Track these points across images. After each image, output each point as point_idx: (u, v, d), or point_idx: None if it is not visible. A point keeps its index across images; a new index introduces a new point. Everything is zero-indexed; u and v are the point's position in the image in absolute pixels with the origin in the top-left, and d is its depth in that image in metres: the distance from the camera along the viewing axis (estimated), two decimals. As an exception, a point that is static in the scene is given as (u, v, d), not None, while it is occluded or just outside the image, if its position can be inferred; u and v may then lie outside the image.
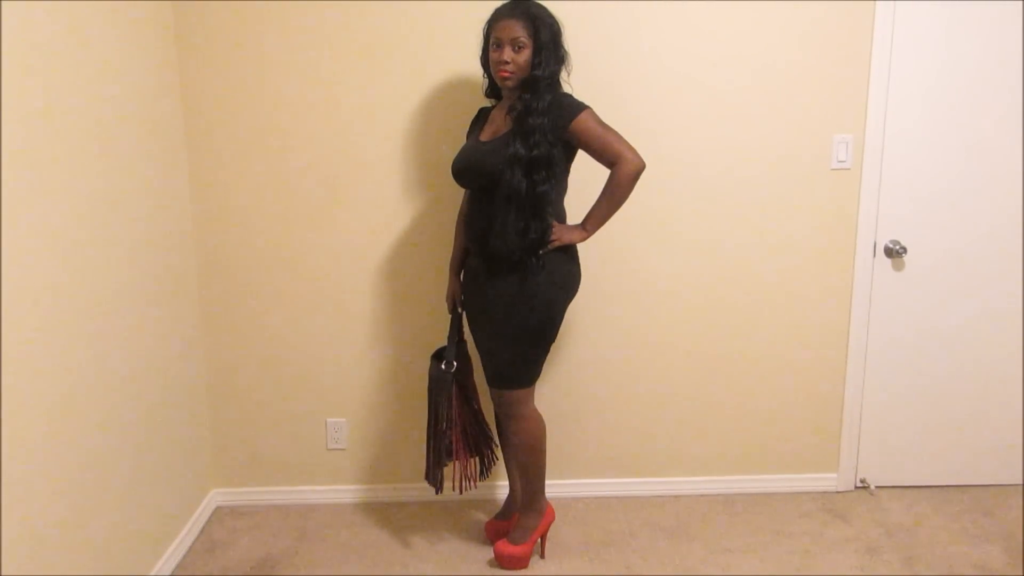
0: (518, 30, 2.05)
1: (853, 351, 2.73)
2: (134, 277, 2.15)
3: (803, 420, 2.78)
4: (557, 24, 2.10)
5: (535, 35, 2.05)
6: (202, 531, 2.59)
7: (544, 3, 2.13)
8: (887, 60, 2.52)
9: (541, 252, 2.11)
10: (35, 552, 1.68)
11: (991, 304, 2.71)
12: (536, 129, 2.03)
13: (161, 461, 2.32)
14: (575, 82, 2.21)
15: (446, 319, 2.44)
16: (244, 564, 2.41)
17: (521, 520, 2.38)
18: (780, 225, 2.63)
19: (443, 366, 2.30)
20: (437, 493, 2.35)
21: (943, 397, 2.78)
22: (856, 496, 2.80)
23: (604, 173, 2.11)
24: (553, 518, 2.42)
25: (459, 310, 2.41)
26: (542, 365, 2.27)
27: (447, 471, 2.36)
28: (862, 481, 2.83)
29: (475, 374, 2.42)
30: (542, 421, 2.32)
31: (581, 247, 2.23)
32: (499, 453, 2.48)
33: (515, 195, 2.06)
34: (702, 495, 2.79)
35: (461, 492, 2.35)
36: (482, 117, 2.31)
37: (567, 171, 2.19)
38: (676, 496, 2.79)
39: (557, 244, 2.13)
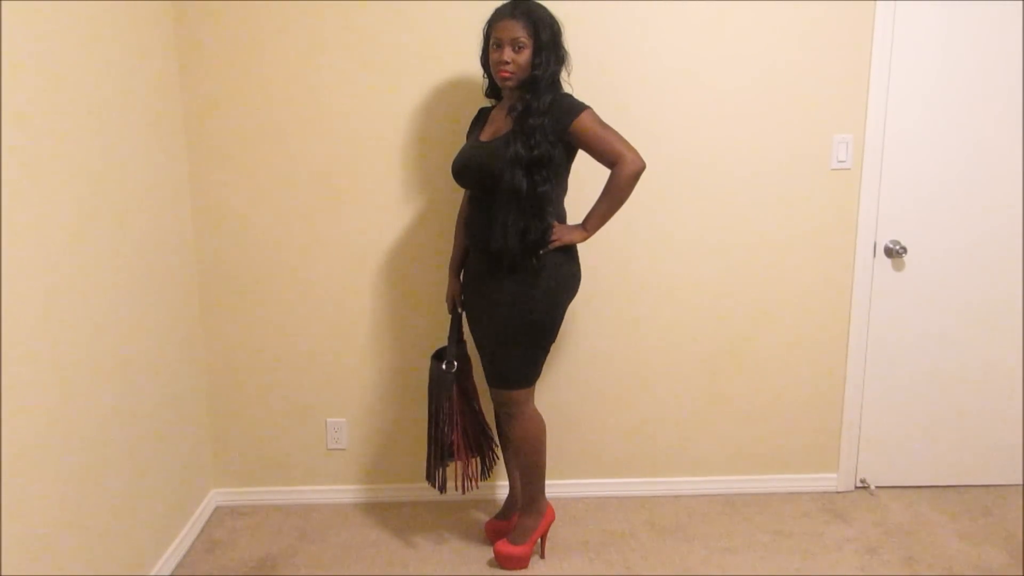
0: (518, 30, 2.05)
1: (853, 351, 2.73)
2: (134, 277, 2.15)
3: (803, 420, 2.78)
4: (557, 24, 2.10)
5: (535, 35, 2.05)
6: (202, 531, 2.59)
7: (544, 3, 2.13)
8: (887, 60, 2.52)
9: (541, 252, 2.11)
10: (35, 552, 1.68)
11: (991, 304, 2.71)
12: (536, 129, 2.03)
13: (161, 461, 2.32)
14: (575, 82, 2.21)
15: (446, 319, 2.45)
16: (244, 564, 2.40)
17: (521, 520, 2.38)
18: (780, 225, 2.63)
19: (443, 366, 2.30)
20: (441, 492, 2.36)
21: (943, 397, 2.78)
22: (856, 496, 2.80)
23: (604, 173, 2.11)
24: (553, 518, 2.42)
25: (459, 310, 2.41)
26: (542, 365, 2.27)
27: (449, 471, 2.36)
28: (862, 481, 2.83)
29: (475, 374, 2.42)
30: (542, 421, 2.32)
31: (581, 247, 2.23)
32: (499, 453, 2.48)
33: (515, 195, 2.06)
34: (702, 495, 2.79)
35: (463, 492, 2.35)
36: (482, 117, 2.31)
37: (567, 171, 2.19)
38: (676, 496, 2.79)
39: (557, 244, 2.13)
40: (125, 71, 2.10)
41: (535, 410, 2.30)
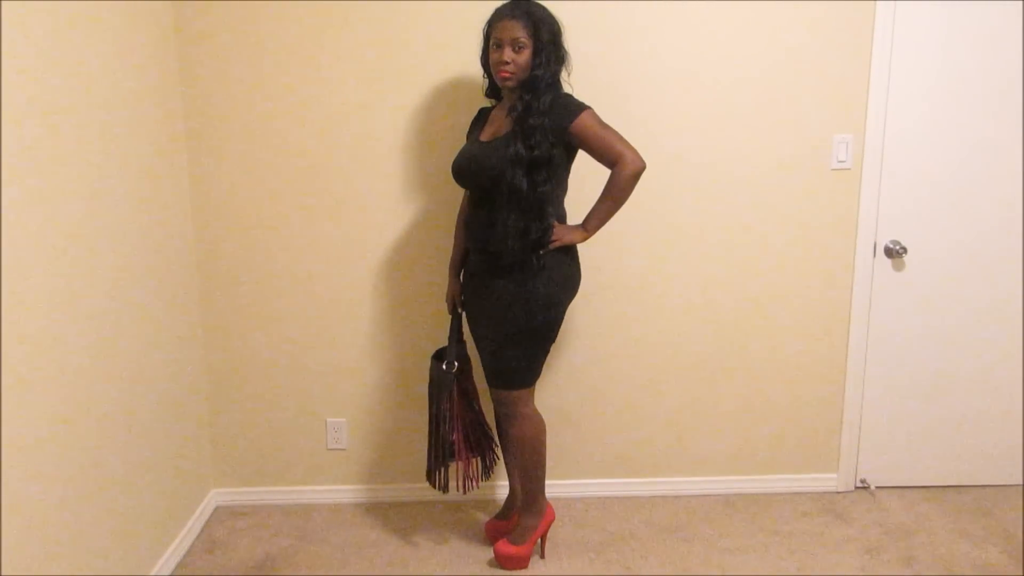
0: (518, 30, 2.05)
1: (853, 351, 2.73)
2: (134, 277, 2.15)
3: (803, 420, 2.78)
4: (557, 24, 2.10)
5: (535, 35, 2.05)
6: (202, 531, 2.59)
7: (544, 3, 2.13)
8: (887, 60, 2.52)
9: (542, 252, 2.11)
10: (35, 552, 1.68)
11: (991, 304, 2.71)
12: (537, 129, 2.03)
13: (161, 461, 2.32)
14: (575, 82, 2.21)
15: (446, 319, 2.45)
16: (244, 564, 2.40)
17: (521, 520, 2.38)
18: (780, 225, 2.63)
19: (444, 366, 2.30)
20: (444, 492, 2.36)
21: (943, 397, 2.78)
22: (856, 496, 2.80)
23: (604, 173, 2.11)
24: (553, 518, 2.42)
25: (459, 310, 2.41)
26: (542, 365, 2.27)
27: (449, 471, 2.36)
28: (862, 481, 2.83)
29: (475, 374, 2.42)
30: (542, 421, 2.32)
31: (581, 247, 2.23)
32: (500, 453, 2.48)
33: (516, 195, 2.06)
34: (702, 495, 2.79)
35: (464, 492, 2.35)
36: (482, 117, 2.31)
37: (567, 171, 2.19)
38: (676, 496, 2.79)
39: (558, 244, 2.13)
40: (125, 71, 2.10)
41: (535, 410, 2.30)
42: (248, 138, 2.51)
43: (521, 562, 2.35)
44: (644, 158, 2.08)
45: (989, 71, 2.55)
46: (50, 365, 1.74)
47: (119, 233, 2.06)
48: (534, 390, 2.29)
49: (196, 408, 2.61)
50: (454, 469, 2.36)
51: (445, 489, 2.36)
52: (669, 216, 2.61)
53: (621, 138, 2.08)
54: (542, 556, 2.41)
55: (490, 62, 2.13)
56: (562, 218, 2.20)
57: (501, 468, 2.55)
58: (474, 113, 2.37)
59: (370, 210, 2.57)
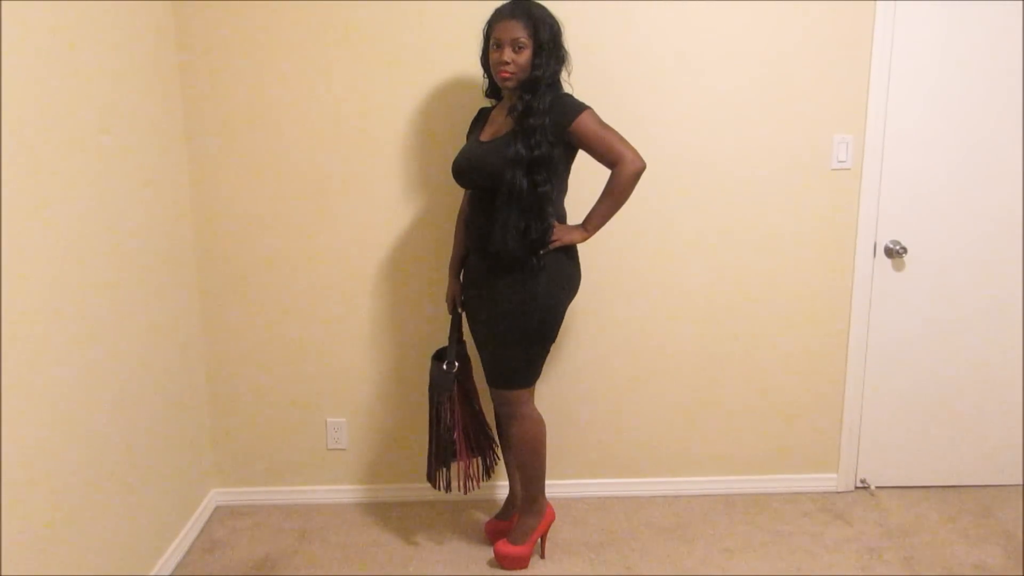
0: (518, 30, 2.05)
1: (853, 351, 2.73)
2: (134, 277, 2.15)
3: (803, 420, 2.78)
4: (557, 24, 2.10)
5: (535, 35, 2.05)
6: (202, 531, 2.59)
7: (544, 3, 2.13)
8: (887, 60, 2.52)
9: (542, 252, 2.11)
10: (35, 552, 1.68)
11: (991, 304, 2.71)
12: (537, 129, 2.03)
13: (161, 461, 2.32)
14: (575, 82, 2.21)
15: (446, 319, 2.45)
16: (244, 564, 2.41)
17: (521, 520, 2.38)
18: (780, 225, 2.63)
19: (444, 366, 2.30)
20: (447, 492, 2.36)
21: (943, 397, 2.78)
22: (856, 496, 2.80)
23: (604, 173, 2.11)
24: (553, 518, 2.42)
25: (459, 310, 2.41)
26: (542, 365, 2.27)
27: (451, 471, 2.36)
28: (862, 481, 2.83)
29: (475, 374, 2.42)
30: (542, 421, 2.32)
31: (581, 247, 2.23)
32: (500, 453, 2.48)
33: (516, 195, 2.06)
34: (702, 495, 2.79)
35: (465, 492, 2.35)
36: (482, 117, 2.31)
37: (568, 171, 2.19)
38: (676, 496, 2.79)
39: (558, 244, 2.13)
40: (125, 70, 2.10)
41: (535, 410, 2.30)
42: (248, 138, 2.51)
43: (521, 562, 2.35)
44: (644, 158, 2.08)
45: (989, 71, 2.55)
46: (50, 365, 1.74)
47: (119, 233, 2.06)
48: (534, 390, 2.30)
49: (196, 408, 2.61)
50: (455, 469, 2.36)
51: (448, 489, 2.36)
52: (669, 216, 2.61)
53: (621, 138, 2.08)
54: (542, 556, 2.41)
55: (490, 62, 2.13)
56: (562, 218, 2.20)
57: (501, 468, 2.55)
58: (474, 113, 2.37)
59: (370, 210, 2.57)
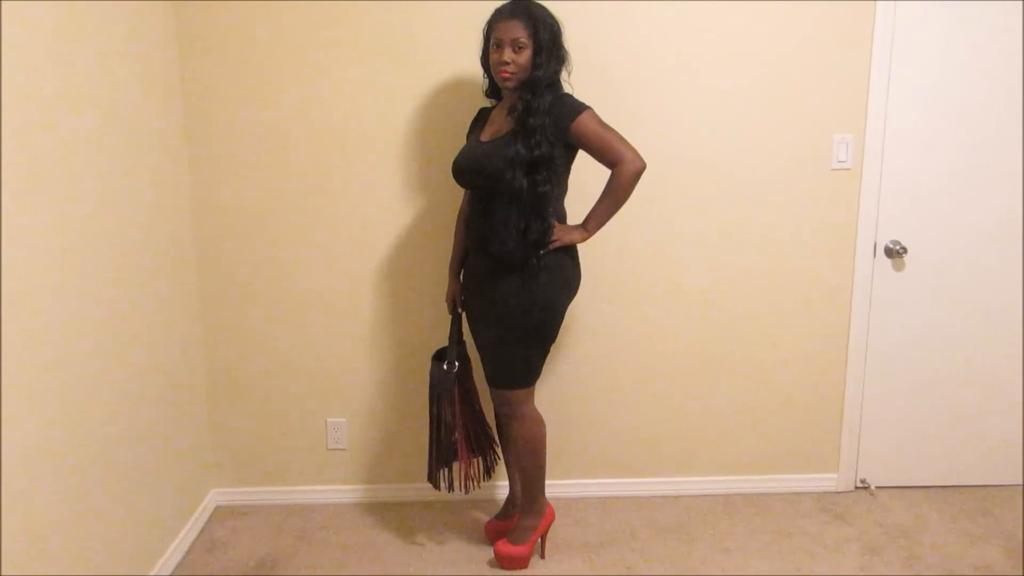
0: (518, 30, 2.05)
1: (853, 351, 2.73)
2: (134, 277, 2.15)
3: (803, 420, 2.78)
4: (557, 24, 2.10)
5: (535, 35, 2.05)
6: (202, 531, 2.59)
7: (544, 3, 2.13)
8: (887, 60, 2.52)
9: (542, 252, 2.11)
10: (35, 552, 1.68)
11: (991, 304, 2.71)
12: (537, 129, 2.03)
13: (161, 461, 2.32)
14: (575, 82, 2.21)
15: (446, 319, 2.45)
16: (244, 564, 2.40)
17: (521, 520, 2.38)
18: (780, 225, 2.63)
19: (444, 367, 2.30)
20: (450, 492, 2.36)
21: (943, 397, 2.78)
22: (856, 496, 2.80)
23: (604, 173, 2.11)
24: (553, 518, 2.42)
25: (459, 311, 2.41)
26: (542, 365, 2.27)
27: (452, 471, 2.36)
28: (862, 481, 2.83)
29: (475, 374, 2.42)
30: (542, 421, 2.32)
31: (581, 247, 2.23)
32: (500, 453, 2.48)
33: (516, 195, 2.06)
34: (702, 495, 2.79)
35: (465, 492, 2.35)
36: (482, 117, 2.31)
37: (568, 171, 2.19)
38: (676, 496, 2.79)
39: (558, 244, 2.13)
40: (125, 71, 2.10)
41: (535, 410, 2.30)
42: (248, 138, 2.51)
43: (521, 562, 2.35)
44: (644, 158, 2.08)
45: (989, 71, 2.55)
46: (50, 366, 1.74)
47: (119, 233, 2.06)
48: (534, 390, 2.29)
49: (196, 408, 2.61)
50: (455, 469, 2.36)
51: (450, 489, 2.36)
52: (669, 216, 2.61)
53: (621, 138, 2.08)
54: (542, 556, 2.41)
55: (490, 62, 2.13)
56: (562, 218, 2.20)
57: (501, 468, 2.54)
58: (474, 113, 2.37)
59: (370, 210, 2.57)
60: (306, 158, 2.53)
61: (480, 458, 2.41)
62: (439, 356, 2.37)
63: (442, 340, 2.44)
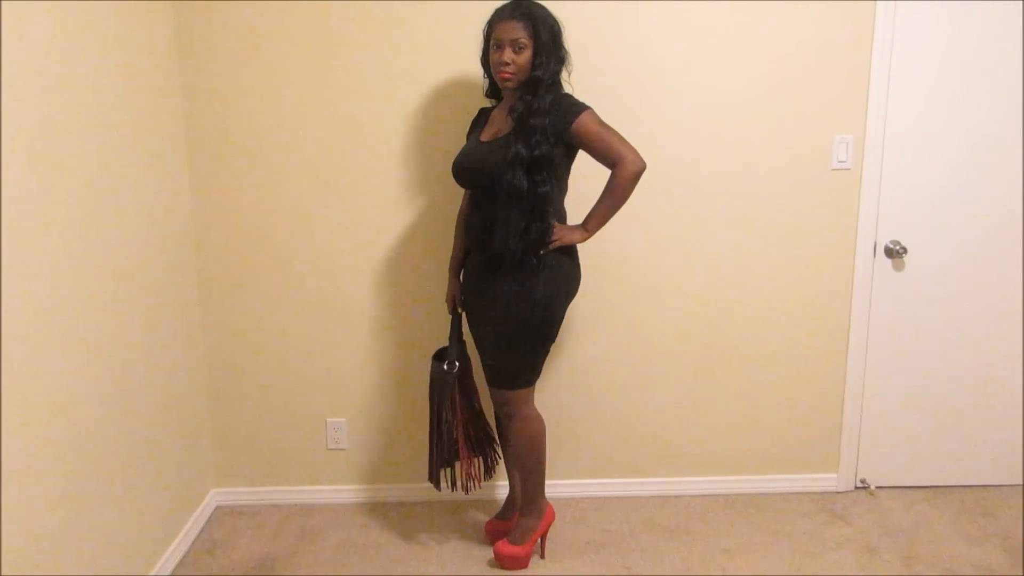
0: (518, 31, 2.05)
1: (853, 351, 2.73)
2: (134, 277, 2.15)
3: (803, 420, 2.78)
4: (557, 24, 2.10)
5: (535, 36, 2.05)
6: (202, 531, 2.59)
7: (544, 3, 2.13)
8: (887, 60, 2.52)
9: (542, 252, 2.11)
10: (35, 552, 1.68)
11: (991, 304, 2.71)
12: (537, 129, 2.03)
13: (161, 461, 2.32)
14: (575, 82, 2.21)
15: (446, 319, 2.45)
16: (244, 564, 2.41)
17: (521, 520, 2.38)
18: (780, 225, 2.63)
19: (444, 366, 2.30)
20: (452, 490, 2.36)
21: (943, 397, 2.78)
22: (856, 496, 2.80)
23: (604, 173, 2.11)
24: (553, 518, 2.42)
25: (459, 310, 2.41)
26: (542, 365, 2.27)
27: (452, 470, 2.36)
28: (862, 481, 2.83)
29: (475, 374, 2.42)
30: (542, 421, 2.32)
31: (581, 247, 2.23)
32: (501, 453, 2.48)
33: (516, 195, 2.06)
34: (702, 495, 2.79)
35: (466, 492, 2.35)
36: (482, 117, 2.31)
37: (568, 171, 2.19)
38: (676, 496, 2.79)
39: (558, 244, 2.13)
40: (125, 71, 2.10)
41: (535, 410, 2.30)
42: (248, 138, 2.51)
43: (521, 562, 2.35)
44: (644, 158, 2.08)
45: (989, 71, 2.55)
46: (50, 365, 1.74)
47: (120, 234, 2.06)
48: (534, 390, 2.30)
49: (196, 408, 2.61)
50: (456, 469, 2.36)
51: (452, 488, 2.36)
52: (669, 216, 2.61)
53: (621, 138, 2.09)
54: (542, 556, 2.41)
55: (490, 62, 2.13)
56: (562, 218, 2.20)
57: (501, 468, 2.54)
58: (474, 113, 2.37)
59: (370, 210, 2.57)
60: (306, 158, 2.53)
61: (480, 458, 2.41)
62: (439, 356, 2.37)
63: (442, 340, 2.44)
